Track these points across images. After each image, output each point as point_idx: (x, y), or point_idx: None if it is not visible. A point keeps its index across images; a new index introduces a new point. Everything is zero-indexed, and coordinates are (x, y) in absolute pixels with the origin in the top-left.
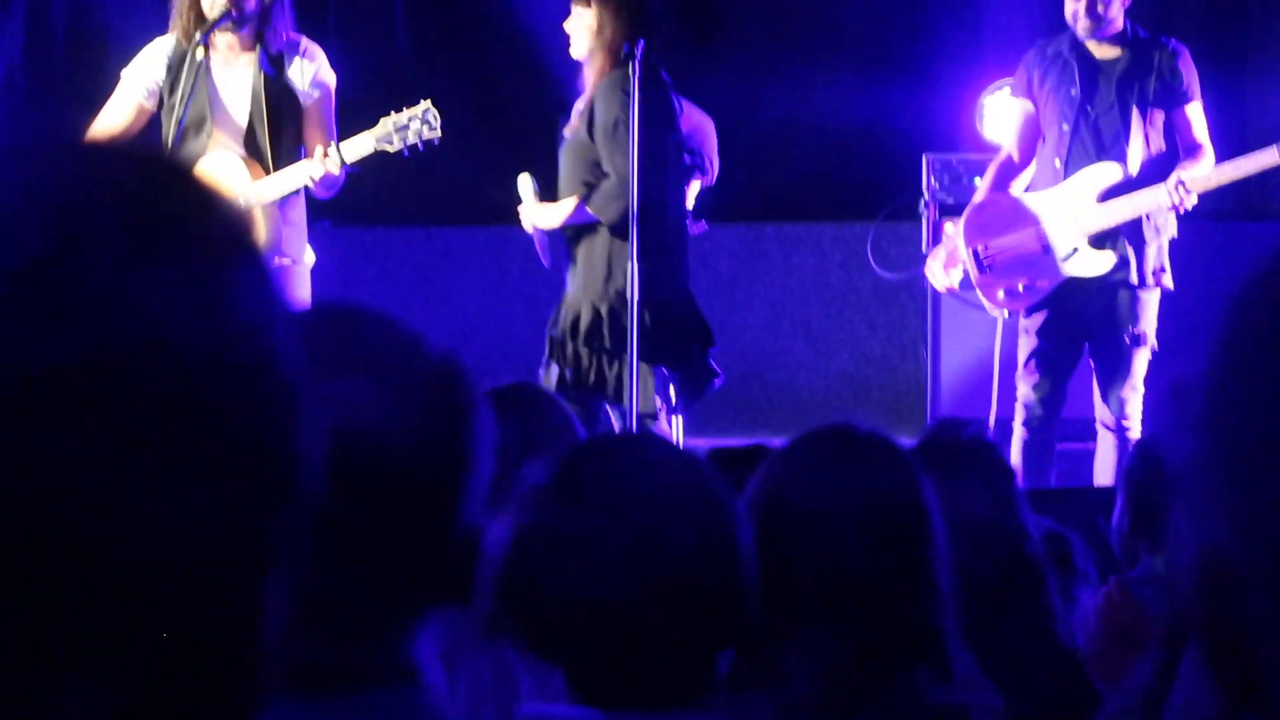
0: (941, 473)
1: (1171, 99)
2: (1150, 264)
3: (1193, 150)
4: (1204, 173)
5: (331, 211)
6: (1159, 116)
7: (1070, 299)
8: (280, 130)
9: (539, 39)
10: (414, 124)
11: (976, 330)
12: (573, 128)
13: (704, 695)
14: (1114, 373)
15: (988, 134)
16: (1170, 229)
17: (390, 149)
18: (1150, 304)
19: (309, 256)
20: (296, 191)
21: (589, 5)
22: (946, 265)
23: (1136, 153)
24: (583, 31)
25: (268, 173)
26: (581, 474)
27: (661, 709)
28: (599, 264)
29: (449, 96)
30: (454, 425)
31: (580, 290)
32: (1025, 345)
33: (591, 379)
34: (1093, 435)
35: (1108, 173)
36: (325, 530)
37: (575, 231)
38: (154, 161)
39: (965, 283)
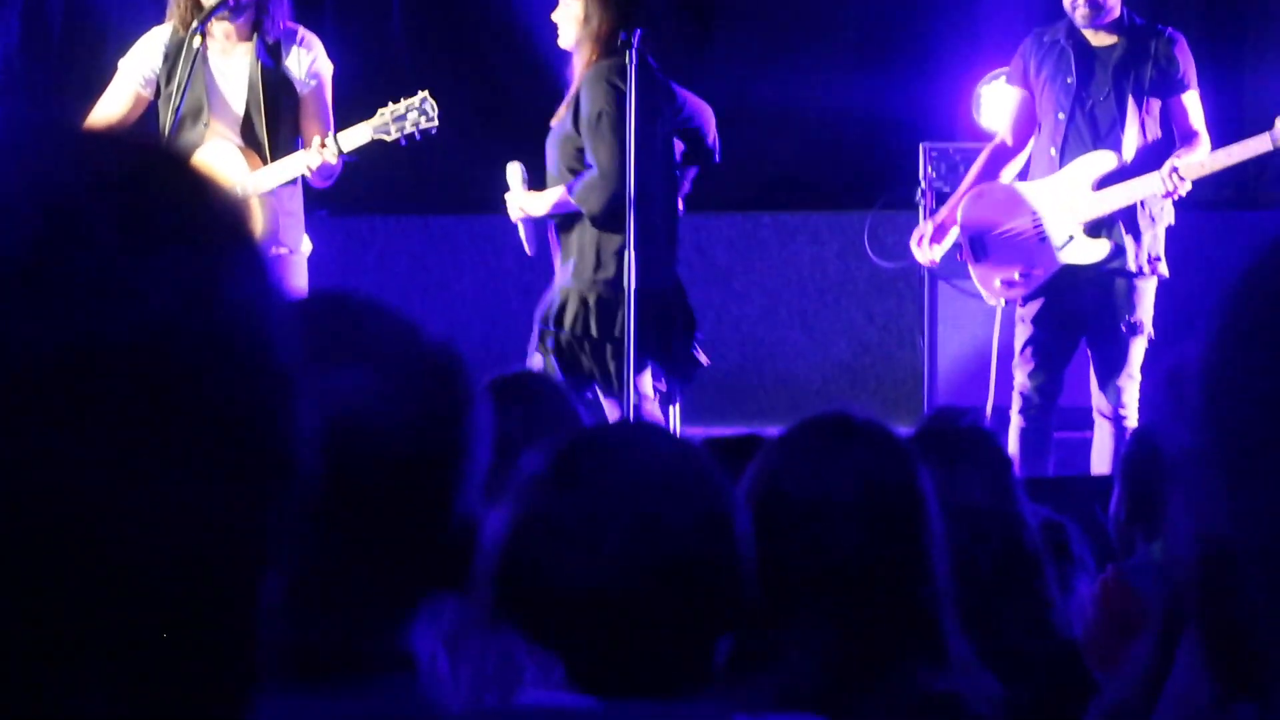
0: (939, 461)
1: (1167, 87)
2: (1146, 252)
3: (1189, 138)
4: (1198, 159)
5: (328, 200)
6: (1155, 104)
7: (1067, 287)
8: (277, 120)
9: (536, 28)
10: (411, 114)
11: (973, 319)
12: (559, 118)
13: (702, 683)
14: (1111, 361)
15: (985, 123)
16: (1168, 217)
17: (387, 139)
18: (1147, 292)
19: (306, 246)
20: (294, 181)
21: None
22: (933, 240)
23: (1132, 141)
24: (570, 21)
25: (265, 162)
26: (579, 462)
27: (660, 696)
28: (588, 253)
29: (446, 85)
30: (451, 414)
31: (568, 279)
32: (1022, 333)
33: (579, 367)
34: (1090, 424)
35: (1103, 161)
36: (322, 519)
37: (563, 220)
38: (151, 150)
39: (948, 260)
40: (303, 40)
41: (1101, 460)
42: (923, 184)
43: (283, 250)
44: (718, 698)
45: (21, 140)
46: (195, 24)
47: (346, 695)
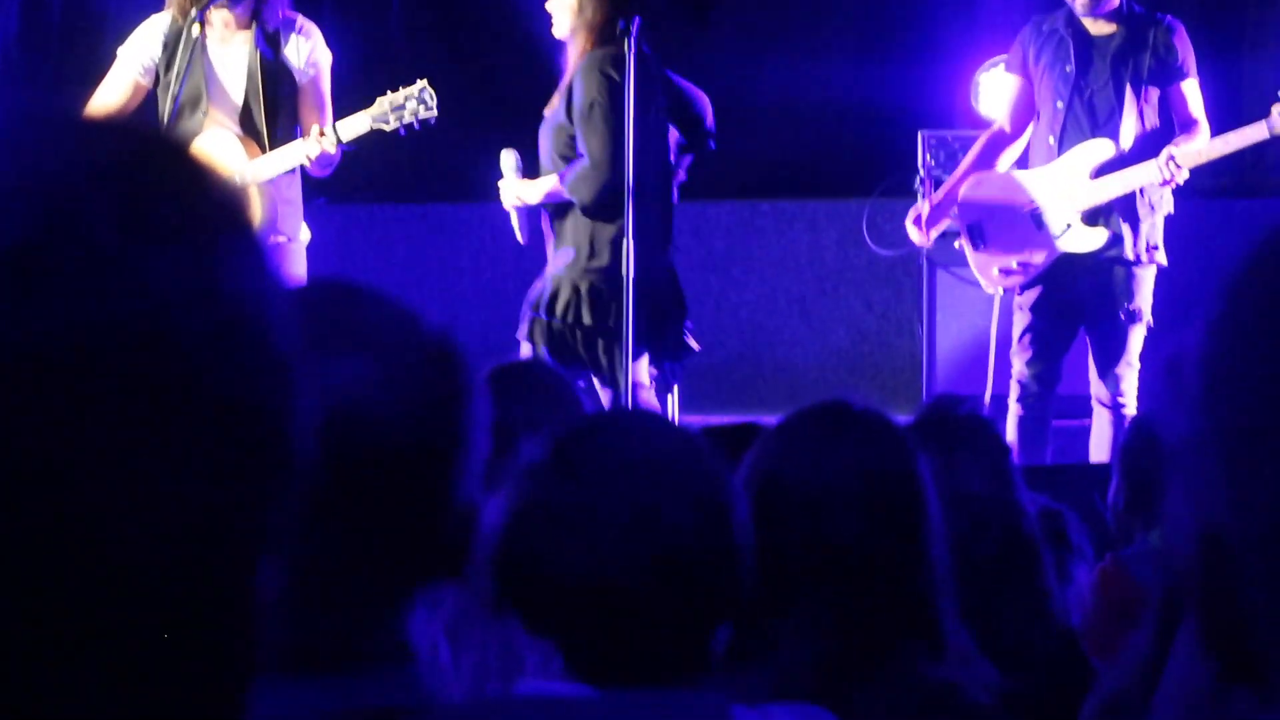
0: (938, 449)
1: (1166, 75)
2: (1144, 240)
3: (1188, 126)
4: (1195, 147)
5: (327, 188)
6: (1154, 93)
7: (1065, 275)
8: (276, 108)
9: (535, 16)
10: (410, 103)
11: (972, 307)
12: (552, 107)
13: (700, 671)
14: (1109, 350)
15: (983, 111)
16: (1166, 205)
17: (386, 128)
18: (1145, 280)
19: (305, 234)
20: (292, 169)
21: None
22: (929, 223)
23: (1130, 129)
24: (564, 10)
25: (263, 151)
26: (577, 450)
27: (658, 686)
28: (581, 242)
29: (445, 73)
30: (449, 402)
31: (561, 267)
32: (1020, 321)
33: (570, 356)
34: (1088, 412)
35: (1101, 149)
36: (321, 508)
37: (556, 209)
38: (149, 138)
39: (946, 248)
40: (302, 29)
41: (1100, 449)
42: (921, 172)
43: (281, 239)
44: (716, 687)
45: (20, 130)
46: (194, 12)
47: (345, 685)
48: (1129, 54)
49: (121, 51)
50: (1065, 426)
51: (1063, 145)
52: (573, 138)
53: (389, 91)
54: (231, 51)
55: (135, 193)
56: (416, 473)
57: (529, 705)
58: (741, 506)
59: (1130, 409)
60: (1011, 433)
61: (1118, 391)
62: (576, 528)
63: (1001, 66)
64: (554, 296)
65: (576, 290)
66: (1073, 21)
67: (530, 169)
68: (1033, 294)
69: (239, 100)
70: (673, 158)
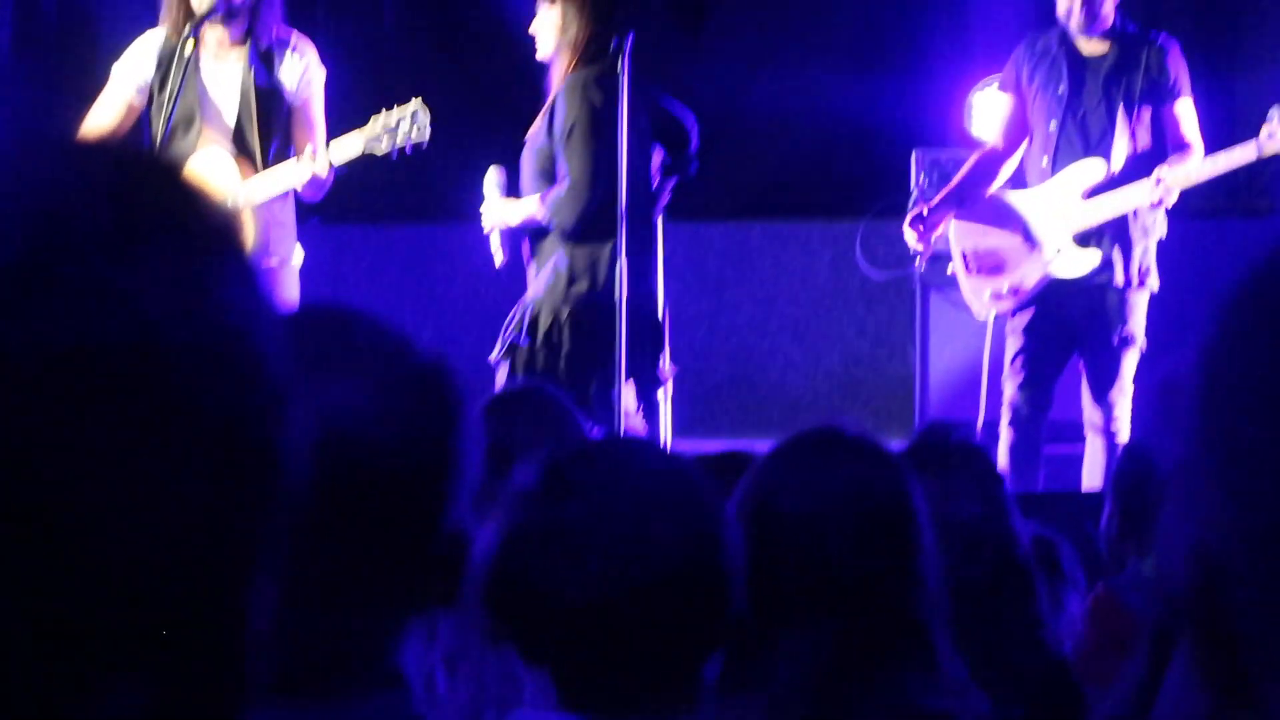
0: (931, 476)
1: (1159, 95)
2: (1137, 264)
3: (1181, 147)
4: (1184, 168)
5: (320, 209)
6: (1146, 113)
7: (1057, 299)
8: (269, 128)
9: (528, 38)
10: (403, 125)
11: (965, 330)
12: (535, 128)
13: (692, 700)
14: (1103, 375)
15: (977, 131)
16: (1159, 229)
17: (379, 150)
18: (1138, 304)
19: (297, 256)
20: (285, 192)
21: (554, 4)
22: (927, 228)
23: (1122, 149)
24: (548, 31)
25: (256, 170)
26: (569, 477)
27: (650, 714)
28: (561, 265)
29: (438, 92)
30: (442, 426)
31: (541, 291)
32: (1012, 345)
33: (548, 381)
34: (1081, 438)
35: (1092, 169)
36: (312, 532)
37: (537, 232)
38: (143, 160)
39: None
40: (296, 47)
41: (1093, 475)
42: (915, 192)
43: (274, 261)
44: (709, 714)
45: (14, 150)
46: (187, 30)
47: (336, 712)
48: (1121, 74)
49: (115, 68)
50: (1058, 453)
51: (1056, 165)
52: (553, 158)
53: (383, 111)
54: (225, 70)
55: (128, 214)
56: (408, 497)
57: None
58: (733, 534)
59: (1123, 435)
60: (1003, 458)
61: (1110, 417)
62: (567, 554)
63: (995, 86)
64: (534, 321)
65: (556, 315)
66: (1066, 41)
67: (515, 190)
68: (1025, 317)
69: (232, 119)
70: (655, 180)
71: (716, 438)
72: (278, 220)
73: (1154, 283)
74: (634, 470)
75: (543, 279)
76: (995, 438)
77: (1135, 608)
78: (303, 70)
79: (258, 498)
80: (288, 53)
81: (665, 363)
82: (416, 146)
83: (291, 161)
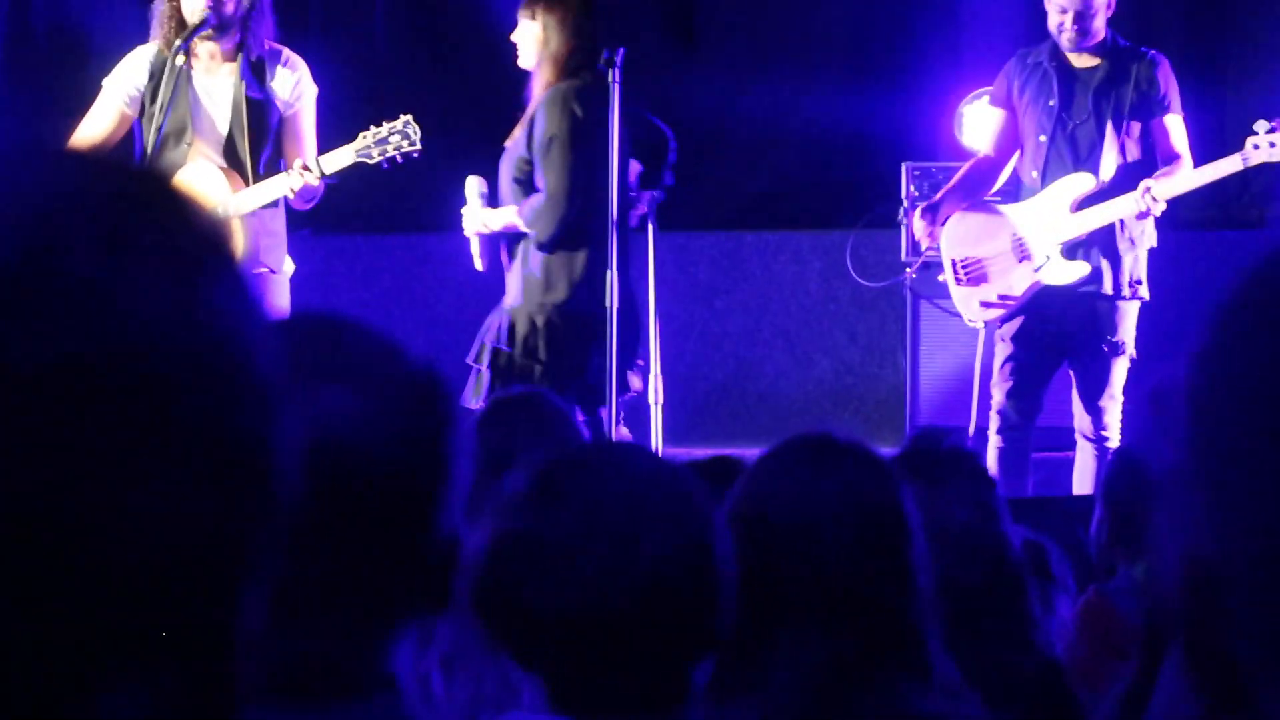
0: (923, 481)
1: (1148, 109)
2: (1126, 275)
3: (1170, 160)
4: (1171, 180)
5: (312, 219)
6: (1136, 127)
7: (1047, 307)
8: (260, 140)
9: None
10: (394, 137)
11: (956, 339)
12: (513, 138)
13: (680, 704)
14: (1093, 382)
15: (967, 142)
16: (1149, 240)
17: (369, 162)
18: (1129, 314)
19: (288, 266)
20: (275, 202)
21: (534, 17)
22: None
23: (1110, 162)
24: (530, 42)
25: (247, 183)
26: (559, 482)
27: (640, 717)
28: (536, 274)
29: (430, 106)
30: (433, 434)
31: (518, 299)
32: (1001, 352)
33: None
34: (1071, 445)
35: (1081, 183)
36: (303, 538)
37: (514, 240)
38: (133, 171)
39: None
40: (287, 61)
41: (1083, 481)
42: (905, 203)
43: (264, 270)
44: (701, 718)
45: (4, 161)
46: (179, 42)
47: (327, 715)
48: (1111, 88)
49: (107, 82)
50: (1048, 459)
51: (1046, 179)
52: (530, 166)
53: (373, 125)
54: (217, 83)
55: (118, 225)
56: (399, 504)
57: None
58: (723, 539)
59: (1114, 442)
60: (992, 464)
61: (1101, 425)
62: (556, 559)
63: (985, 99)
64: (511, 328)
65: (533, 323)
66: (1056, 55)
67: (495, 199)
68: (1014, 324)
69: (223, 132)
70: (633, 191)
71: (708, 446)
72: (268, 230)
73: (1145, 292)
74: (624, 475)
75: (519, 286)
76: (985, 444)
77: (1125, 613)
78: (294, 83)
79: (250, 503)
80: (279, 66)
81: (652, 374)
82: (407, 157)
83: (283, 173)
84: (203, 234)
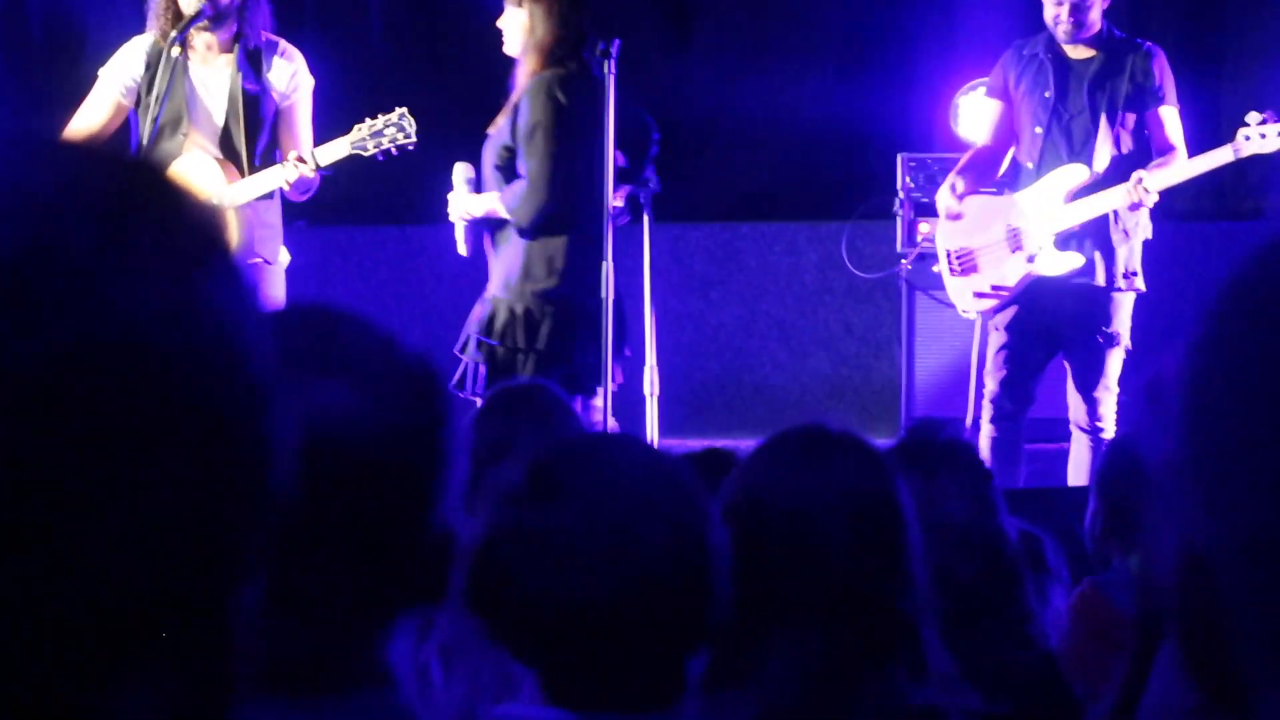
0: (920, 473)
1: (1143, 101)
2: (1120, 267)
3: (1165, 151)
4: (1163, 171)
5: (307, 211)
6: (1130, 118)
7: (1041, 298)
8: (256, 132)
9: None
10: (389, 130)
11: (952, 330)
12: (497, 125)
13: (676, 697)
14: (1087, 373)
15: (963, 133)
16: (1144, 231)
17: (364, 154)
18: (1123, 305)
19: (284, 257)
20: (271, 193)
21: (521, 5)
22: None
23: (1104, 154)
24: (516, 30)
25: (243, 174)
26: (555, 474)
27: (634, 711)
28: (516, 263)
29: (426, 98)
30: (428, 426)
31: (499, 288)
32: (995, 341)
33: (504, 378)
34: (1066, 436)
35: (1075, 174)
36: (299, 531)
37: (495, 227)
38: (128, 162)
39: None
40: (284, 53)
41: (1078, 473)
42: (900, 194)
43: (258, 260)
44: (696, 712)
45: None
46: (174, 34)
47: (322, 708)
48: (1106, 79)
49: (103, 72)
50: (1043, 450)
51: (1041, 169)
52: (512, 153)
53: (368, 117)
54: (213, 74)
55: (113, 216)
56: (395, 496)
57: None
58: (717, 531)
59: (1109, 433)
60: (984, 453)
61: (1096, 416)
62: (551, 551)
63: (981, 90)
64: (491, 318)
65: (513, 312)
66: (1052, 47)
67: (481, 185)
68: (1008, 314)
69: (219, 123)
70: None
71: (704, 437)
72: (263, 221)
73: (1140, 284)
74: (619, 467)
75: (501, 275)
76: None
77: (1120, 605)
78: (290, 75)
79: (246, 496)
80: (275, 57)
81: (647, 365)
82: (402, 149)
83: (279, 165)
84: (198, 225)
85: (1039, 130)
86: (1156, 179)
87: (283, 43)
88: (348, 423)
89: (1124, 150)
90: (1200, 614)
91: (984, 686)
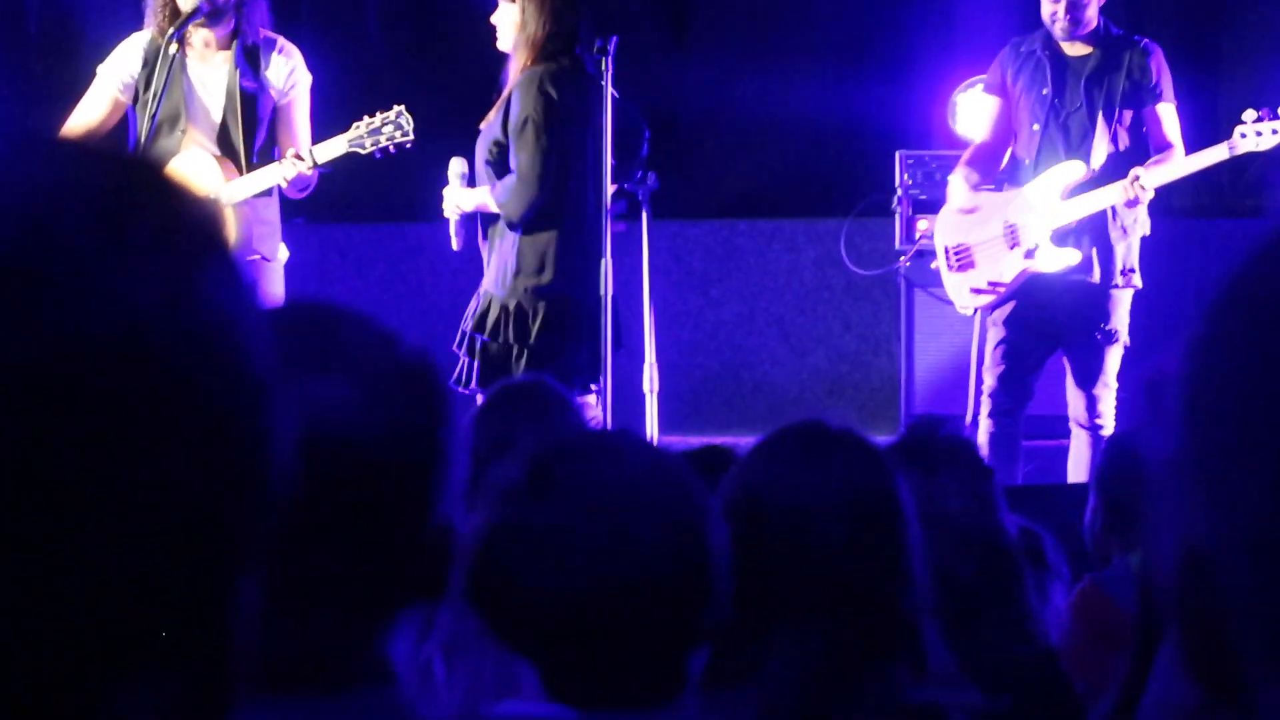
0: (919, 470)
1: (1140, 98)
2: (1118, 264)
3: (1162, 149)
4: (1159, 168)
5: (306, 208)
6: (1128, 115)
7: (1039, 294)
8: (254, 129)
9: None
10: (387, 128)
11: (951, 327)
12: (488, 120)
13: (677, 694)
14: (1086, 370)
15: (961, 131)
16: (1142, 228)
17: (362, 152)
18: (1122, 302)
19: (282, 254)
20: (269, 190)
21: (513, 1)
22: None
23: (1101, 151)
24: (507, 24)
25: (240, 171)
26: (554, 471)
27: (635, 708)
28: (508, 258)
29: (423, 95)
30: (427, 422)
31: (492, 284)
32: (993, 336)
33: (503, 374)
34: (1066, 433)
35: (1072, 171)
36: (299, 528)
37: (489, 221)
38: (126, 159)
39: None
40: (282, 49)
41: (1078, 469)
42: (899, 191)
43: (257, 258)
44: (697, 710)
45: None
46: (172, 31)
47: (323, 705)
48: (1102, 76)
49: (101, 69)
50: (1043, 447)
51: (1039, 166)
52: (503, 148)
53: (366, 114)
54: (211, 71)
55: (111, 212)
56: (395, 493)
57: None
58: (717, 528)
59: (1108, 430)
60: (982, 448)
61: (1095, 412)
62: (551, 548)
63: (979, 87)
64: (484, 314)
65: (504, 309)
66: (1050, 44)
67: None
68: (1006, 310)
69: (217, 119)
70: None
71: (703, 434)
72: (262, 218)
73: (1138, 281)
74: (619, 464)
75: (494, 270)
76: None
77: (1120, 602)
78: (289, 72)
79: (245, 494)
80: (274, 54)
81: (647, 362)
82: (400, 147)
83: (276, 162)
84: (196, 222)
85: (1036, 127)
86: (1153, 176)
87: (281, 40)
88: (347, 420)
89: (1121, 147)
90: (1201, 612)
91: (984, 683)
